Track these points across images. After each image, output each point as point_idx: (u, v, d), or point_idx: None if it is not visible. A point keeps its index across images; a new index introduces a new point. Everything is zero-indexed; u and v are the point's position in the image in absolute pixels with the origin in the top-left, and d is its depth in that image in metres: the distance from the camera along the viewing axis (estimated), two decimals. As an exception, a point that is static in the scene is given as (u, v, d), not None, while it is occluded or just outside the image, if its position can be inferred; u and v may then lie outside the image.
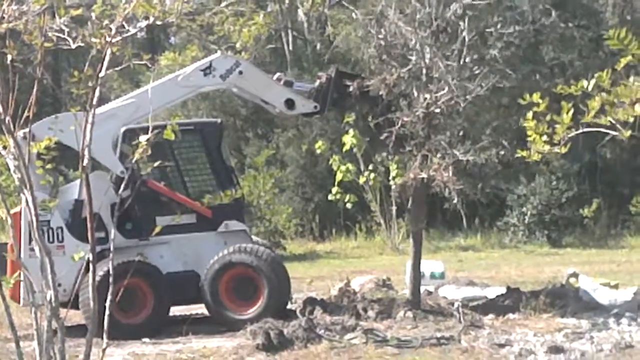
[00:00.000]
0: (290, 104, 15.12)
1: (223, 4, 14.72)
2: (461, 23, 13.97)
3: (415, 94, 14.03)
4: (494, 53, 14.08)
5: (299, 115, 15.94)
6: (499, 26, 14.73)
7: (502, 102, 30.81)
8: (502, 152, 14.49)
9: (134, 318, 14.05)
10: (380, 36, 14.10)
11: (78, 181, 14.56)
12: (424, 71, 14.03)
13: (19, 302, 13.14)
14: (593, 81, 6.39)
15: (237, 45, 18.43)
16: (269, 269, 14.41)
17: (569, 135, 6.51)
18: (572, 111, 6.48)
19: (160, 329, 14.13)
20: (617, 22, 31.37)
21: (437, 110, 13.88)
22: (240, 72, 14.94)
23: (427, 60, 13.93)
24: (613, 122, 6.44)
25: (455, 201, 13.73)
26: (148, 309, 14.21)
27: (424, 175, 13.63)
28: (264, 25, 18.33)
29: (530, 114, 6.57)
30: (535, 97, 6.59)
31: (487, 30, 14.68)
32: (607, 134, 6.60)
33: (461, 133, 14.17)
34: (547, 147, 6.56)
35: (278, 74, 15.79)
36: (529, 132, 6.65)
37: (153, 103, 14.21)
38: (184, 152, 15.22)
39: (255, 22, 18.34)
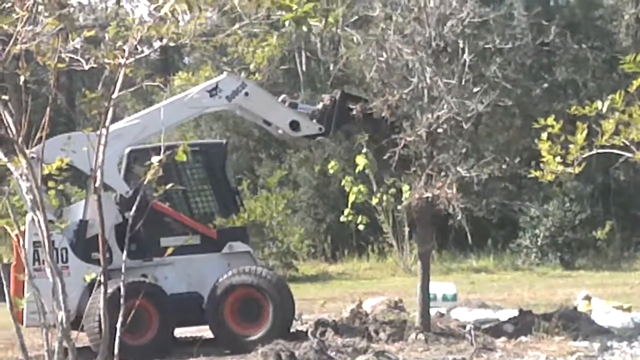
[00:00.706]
0: (295, 125, 15.15)
1: (237, 25, 14.76)
2: (460, 42, 14.03)
3: (418, 114, 14.07)
4: (493, 69, 14.13)
5: (302, 137, 15.92)
6: (497, 41, 14.85)
7: (515, 124, 30.85)
8: (504, 167, 14.61)
9: (140, 339, 14.00)
10: (381, 58, 14.18)
11: (82, 202, 14.61)
12: (426, 92, 14.07)
13: (22, 323, 13.10)
14: (607, 102, 6.39)
15: (251, 67, 18.47)
16: (274, 290, 14.44)
17: (583, 156, 6.50)
18: (585, 131, 6.48)
19: (165, 350, 14.06)
20: (630, 43, 31.33)
21: (440, 130, 13.94)
22: (247, 94, 14.97)
23: (428, 81, 13.98)
24: (627, 143, 6.43)
25: (459, 218, 13.76)
26: (153, 330, 14.15)
27: (428, 194, 13.66)
28: (277, 47, 18.38)
29: (544, 135, 6.57)
30: (550, 120, 6.58)
31: (486, 46, 14.80)
32: (621, 155, 6.59)
33: (464, 150, 14.21)
34: (560, 168, 6.56)
35: (283, 95, 15.82)
36: (543, 153, 6.64)
37: (159, 124, 14.27)
38: (188, 173, 15.21)
39: (269, 43, 18.38)
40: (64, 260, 14.03)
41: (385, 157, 14.25)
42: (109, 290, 6.62)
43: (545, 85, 30.38)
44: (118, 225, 13.92)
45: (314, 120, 15.25)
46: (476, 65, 14.22)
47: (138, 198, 6.98)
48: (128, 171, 14.57)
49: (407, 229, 26.55)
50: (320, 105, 15.40)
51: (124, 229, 7.70)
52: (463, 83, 13.94)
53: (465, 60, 13.96)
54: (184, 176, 15.16)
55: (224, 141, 17.34)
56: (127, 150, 14.49)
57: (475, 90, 13.94)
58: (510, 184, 29.42)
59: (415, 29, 14.07)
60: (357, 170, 26.93)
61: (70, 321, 8.45)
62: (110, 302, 6.70)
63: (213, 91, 14.90)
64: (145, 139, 14.47)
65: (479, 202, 14.51)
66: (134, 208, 7.02)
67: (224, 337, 14.36)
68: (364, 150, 26.04)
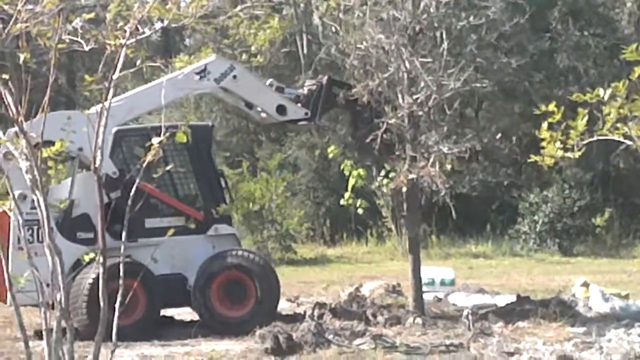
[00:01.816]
0: (281, 110, 15.18)
1: (238, 7, 14.73)
2: (435, 22, 14.17)
3: (399, 97, 14.15)
4: (469, 47, 14.33)
5: (286, 122, 15.91)
6: (471, 18, 15.05)
7: (515, 110, 30.87)
8: (485, 140, 14.89)
9: (126, 319, 13.98)
10: (360, 46, 14.30)
11: (68, 180, 14.47)
12: (405, 75, 14.13)
13: (5, 302, 13.11)
14: (609, 91, 6.38)
15: (252, 49, 18.43)
16: (261, 271, 14.59)
17: (584, 142, 6.50)
18: (586, 118, 6.48)
19: (152, 330, 14.03)
20: (632, 30, 31.28)
21: (421, 113, 14.05)
22: (235, 77, 14.96)
23: (407, 65, 14.05)
24: (628, 131, 6.43)
25: (443, 194, 13.88)
26: (140, 311, 14.12)
27: (413, 175, 13.76)
28: (278, 29, 18.33)
29: (545, 125, 6.56)
30: (551, 106, 6.58)
31: (460, 23, 15.00)
32: (621, 142, 6.59)
33: (446, 130, 14.37)
34: (560, 152, 6.56)
35: (270, 79, 15.81)
36: (543, 141, 6.64)
37: (148, 104, 14.24)
38: (174, 154, 15.15)
39: (271, 26, 18.34)
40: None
41: (367, 141, 14.40)
42: (97, 272, 6.62)
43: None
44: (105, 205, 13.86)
45: (299, 105, 15.28)
46: (453, 46, 14.38)
47: (128, 178, 6.99)
48: (114, 151, 14.51)
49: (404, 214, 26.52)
50: (305, 90, 15.43)
51: (110, 209, 7.70)
52: (442, 64, 14.05)
53: (442, 40, 14.13)
54: (169, 157, 15.11)
55: (211, 123, 17.27)
56: (114, 130, 14.39)
57: (450, 71, 14.05)
58: (511, 167, 29.45)
59: (390, 13, 14.16)
60: (355, 154, 26.90)
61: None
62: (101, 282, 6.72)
63: (202, 73, 14.88)
64: (133, 118, 14.43)
65: (462, 178, 14.74)
66: (116, 188, 7.01)
67: (210, 319, 14.38)
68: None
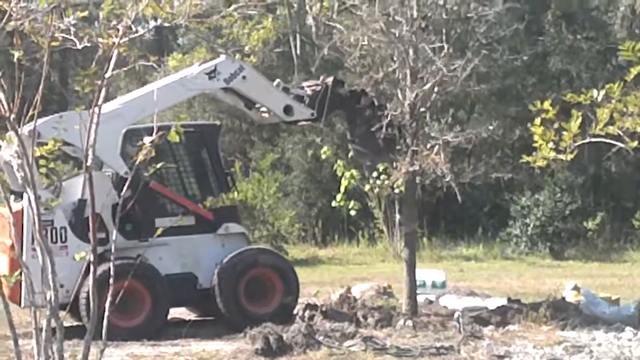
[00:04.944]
0: (288, 110, 15.25)
1: (232, 7, 14.73)
2: (444, 14, 14.31)
3: (400, 94, 14.21)
4: (476, 37, 14.48)
5: (291, 122, 15.97)
6: (479, 9, 15.22)
7: (508, 113, 30.90)
8: (490, 127, 15.08)
9: (132, 321, 13.99)
10: (364, 43, 14.39)
11: (80, 179, 14.49)
12: (408, 72, 14.23)
13: (19, 304, 13.04)
14: (603, 91, 6.39)
15: (246, 49, 18.43)
16: (287, 269, 15.06)
17: (576, 144, 6.50)
18: (580, 120, 6.48)
19: (158, 332, 14.07)
20: (625, 34, 31.32)
21: (423, 109, 14.13)
22: (244, 77, 15.03)
23: (411, 54, 14.07)
24: (620, 133, 6.43)
25: (448, 179, 13.95)
26: (146, 312, 14.16)
27: (415, 167, 13.85)
28: (272, 29, 18.35)
29: (538, 121, 6.56)
30: (546, 104, 6.58)
31: (469, 15, 15.16)
32: (613, 146, 6.59)
33: (450, 120, 14.62)
34: (553, 154, 6.56)
35: (277, 80, 15.86)
36: (536, 138, 6.64)
37: (158, 104, 14.21)
38: (183, 154, 15.23)
39: (264, 26, 18.35)
40: (63, 239, 13.95)
41: (367, 139, 14.52)
42: (104, 270, 6.59)
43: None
44: (115, 205, 13.87)
45: (303, 105, 15.36)
46: (459, 38, 14.55)
47: (136, 179, 6.97)
48: (124, 151, 14.53)
49: (397, 216, 26.54)
50: (309, 91, 15.49)
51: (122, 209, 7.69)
52: (450, 51, 14.18)
53: (449, 30, 14.29)
54: (178, 157, 15.20)
55: (218, 123, 17.36)
56: (124, 130, 14.45)
57: (457, 63, 14.16)
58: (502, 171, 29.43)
59: (397, 9, 14.27)
60: (349, 155, 26.91)
61: (67, 301, 8.43)
62: (104, 282, 6.69)
63: (212, 73, 14.93)
64: (145, 118, 14.44)
65: (465, 167, 14.87)
66: (127, 188, 7.00)
67: (237, 315, 14.48)
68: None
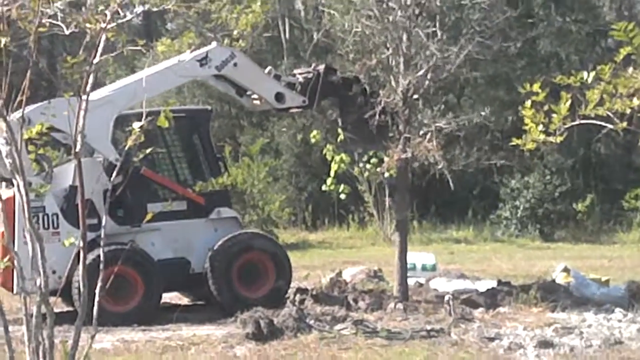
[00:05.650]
0: (279, 97, 15.24)
1: (220, -9, 14.67)
2: (437, 1, 14.31)
3: (393, 80, 14.25)
4: (470, 25, 14.49)
5: (283, 109, 15.98)
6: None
7: (498, 96, 30.87)
8: (483, 113, 15.12)
9: (125, 306, 14.02)
10: (357, 30, 14.38)
11: (72, 166, 14.47)
12: (402, 59, 14.20)
13: (12, 291, 13.03)
14: (593, 73, 6.38)
15: (235, 33, 18.36)
16: (280, 254, 15.14)
17: (566, 126, 6.50)
18: (569, 102, 6.48)
19: (151, 317, 14.09)
20: (614, 17, 31.33)
21: (416, 96, 14.14)
22: (235, 64, 15.03)
23: (404, 48, 14.08)
24: (610, 114, 6.43)
25: (440, 166, 13.97)
26: (139, 297, 14.19)
27: (407, 154, 13.86)
28: (261, 14, 18.27)
29: (528, 103, 6.56)
30: (536, 86, 6.57)
31: (462, 2, 15.17)
32: (602, 128, 6.60)
33: (442, 107, 14.66)
34: (542, 136, 6.56)
35: (269, 67, 15.85)
36: (526, 121, 6.64)
37: (150, 90, 14.20)
38: (175, 139, 15.24)
39: (253, 10, 18.27)
40: (55, 226, 13.96)
41: (358, 126, 14.52)
42: (95, 255, 6.59)
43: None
44: (107, 191, 13.85)
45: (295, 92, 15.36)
46: (452, 25, 14.54)
47: (127, 164, 6.95)
48: (115, 137, 14.52)
49: (388, 199, 26.56)
50: (300, 78, 15.49)
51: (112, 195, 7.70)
52: (444, 37, 14.19)
53: (443, 17, 14.30)
54: (170, 142, 15.21)
55: (210, 107, 17.35)
56: (115, 116, 14.42)
57: (450, 50, 14.17)
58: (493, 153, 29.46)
59: None
60: (339, 139, 26.90)
61: (59, 287, 8.41)
62: (95, 267, 6.67)
63: (203, 60, 14.93)
64: (134, 105, 14.42)
65: (458, 154, 14.90)
66: (117, 174, 6.99)
67: (230, 300, 14.48)
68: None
